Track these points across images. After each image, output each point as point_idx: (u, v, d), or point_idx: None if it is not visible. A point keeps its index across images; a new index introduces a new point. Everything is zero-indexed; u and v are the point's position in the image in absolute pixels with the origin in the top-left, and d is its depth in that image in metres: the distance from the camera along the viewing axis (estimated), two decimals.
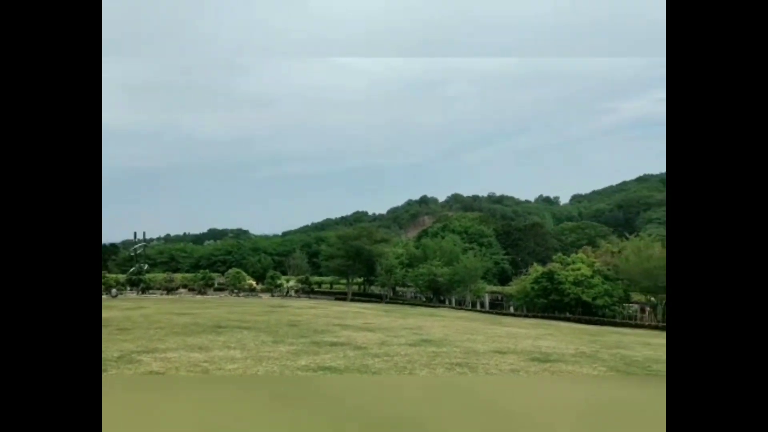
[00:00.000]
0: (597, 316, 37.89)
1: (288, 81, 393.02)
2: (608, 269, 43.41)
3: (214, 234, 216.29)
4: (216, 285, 69.72)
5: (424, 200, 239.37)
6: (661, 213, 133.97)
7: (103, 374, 8.93)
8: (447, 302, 55.95)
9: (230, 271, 70.79)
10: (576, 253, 52.37)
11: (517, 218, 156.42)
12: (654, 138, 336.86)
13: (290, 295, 63.55)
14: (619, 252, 47.06)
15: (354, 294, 64.94)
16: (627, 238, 51.41)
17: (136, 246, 72.24)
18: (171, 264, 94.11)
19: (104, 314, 21.87)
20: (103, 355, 10.86)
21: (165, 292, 61.14)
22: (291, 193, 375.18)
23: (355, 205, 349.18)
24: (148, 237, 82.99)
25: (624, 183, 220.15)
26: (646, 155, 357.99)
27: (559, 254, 52.03)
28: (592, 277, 41.93)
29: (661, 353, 14.89)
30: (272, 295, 62.40)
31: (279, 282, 67.23)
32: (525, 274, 55.88)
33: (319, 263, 78.61)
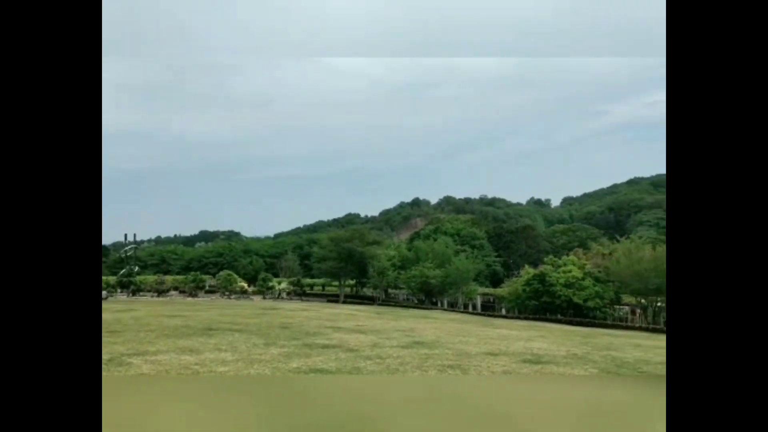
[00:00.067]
0: (588, 318, 38.07)
1: (283, 82, 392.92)
2: (599, 271, 43.62)
3: (205, 236, 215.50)
4: (207, 287, 69.33)
5: (416, 202, 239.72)
6: (651, 215, 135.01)
7: None
8: (439, 304, 55.98)
9: (221, 273, 70.43)
10: (567, 255, 52.55)
11: (509, 220, 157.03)
12: (644, 141, 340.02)
13: (282, 298, 63.33)
14: (610, 254, 47.28)
15: (346, 296, 64.80)
16: (618, 241, 51.66)
17: (127, 248, 71.72)
18: (162, 266, 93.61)
19: None
20: None
21: (156, 294, 60.71)
22: (283, 195, 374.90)
23: (348, 207, 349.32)
24: (138, 239, 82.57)
25: (615, 186, 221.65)
26: (637, 158, 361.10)
27: (551, 256, 52.18)
28: (583, 279, 42.12)
29: (652, 355, 14.98)
30: (264, 298, 62.15)
31: (271, 284, 66.98)
32: (516, 276, 55.96)
33: (311, 265, 78.41)
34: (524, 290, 45.23)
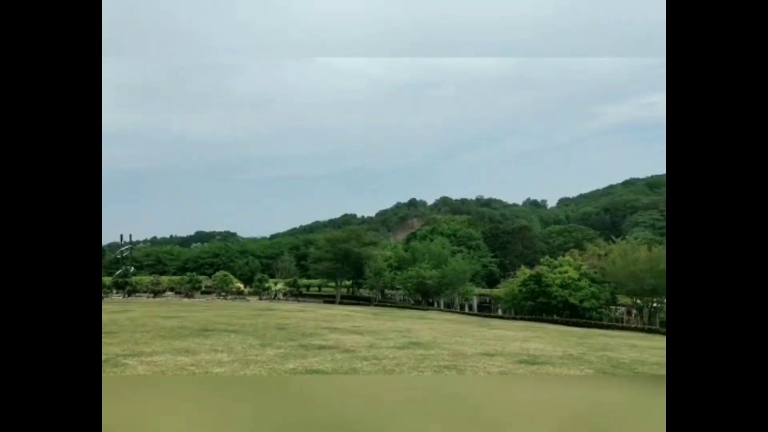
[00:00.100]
0: (584, 319, 38.19)
1: (282, 82, 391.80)
2: (595, 272, 43.76)
3: (201, 236, 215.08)
4: (203, 288, 69.21)
5: (412, 203, 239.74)
6: (647, 216, 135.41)
7: None
8: (435, 305, 56.03)
9: (218, 273, 70.28)
10: (563, 256, 52.68)
11: (505, 221, 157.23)
12: (640, 142, 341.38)
13: (278, 298, 63.25)
14: (606, 255, 47.41)
15: (342, 297, 64.76)
16: (613, 241, 51.80)
17: (122, 248, 71.51)
18: (157, 267, 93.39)
19: None
20: None
21: (151, 295, 60.57)
22: (279, 196, 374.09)
23: (344, 208, 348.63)
24: (134, 239, 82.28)
25: (611, 186, 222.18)
26: (633, 159, 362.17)
27: (547, 257, 52.36)
28: (579, 279, 42.26)
29: (647, 355, 15.03)
30: (260, 298, 62.07)
31: (267, 285, 66.88)
32: (513, 277, 56.06)
33: (307, 266, 78.34)
34: (520, 291, 45.33)
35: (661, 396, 3.68)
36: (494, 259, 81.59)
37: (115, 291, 60.65)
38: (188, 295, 61.73)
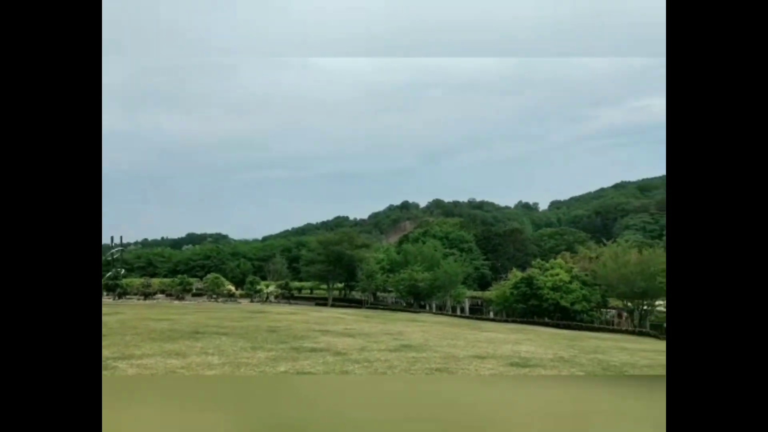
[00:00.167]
0: (575, 321, 38.39)
1: (272, 83, 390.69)
2: (586, 275, 44.00)
3: (192, 239, 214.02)
4: (194, 290, 68.88)
5: (405, 205, 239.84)
6: (637, 219, 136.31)
7: None
8: (427, 307, 56.10)
9: (209, 276, 69.95)
10: (555, 258, 52.96)
11: (497, 224, 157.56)
12: (631, 145, 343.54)
13: (270, 301, 63.06)
14: (597, 258, 47.73)
15: (334, 299, 64.66)
16: (604, 244, 52.18)
17: (113, 250, 71.13)
18: (148, 269, 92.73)
19: None
20: None
21: (142, 297, 60.22)
22: (272, 198, 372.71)
23: (337, 210, 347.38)
24: (125, 241, 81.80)
25: (602, 190, 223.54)
26: (624, 162, 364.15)
27: (538, 260, 52.56)
28: (570, 282, 42.47)
29: (638, 358, 15.13)
30: (252, 301, 61.84)
31: (258, 287, 66.66)
32: (504, 280, 56.28)
33: (299, 268, 78.15)
34: (512, 293, 45.48)
35: (649, 397, 3.69)
36: (486, 262, 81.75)
37: (105, 293, 60.19)
38: (179, 298, 61.42)
